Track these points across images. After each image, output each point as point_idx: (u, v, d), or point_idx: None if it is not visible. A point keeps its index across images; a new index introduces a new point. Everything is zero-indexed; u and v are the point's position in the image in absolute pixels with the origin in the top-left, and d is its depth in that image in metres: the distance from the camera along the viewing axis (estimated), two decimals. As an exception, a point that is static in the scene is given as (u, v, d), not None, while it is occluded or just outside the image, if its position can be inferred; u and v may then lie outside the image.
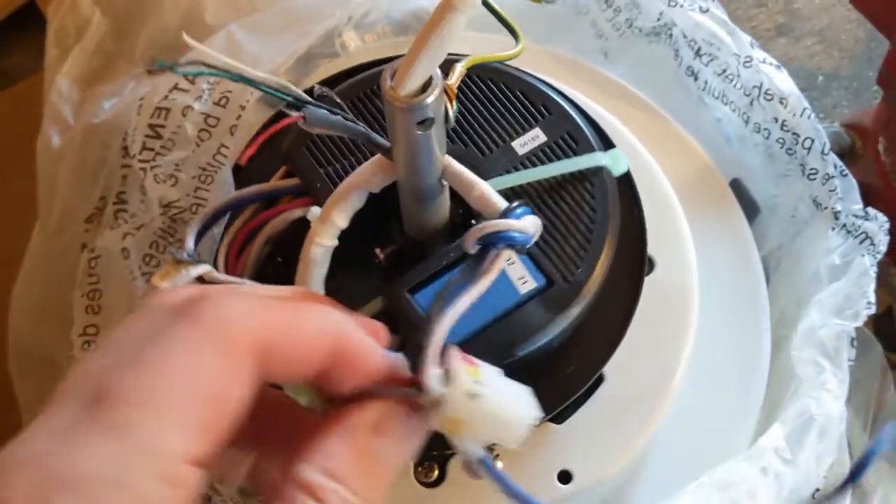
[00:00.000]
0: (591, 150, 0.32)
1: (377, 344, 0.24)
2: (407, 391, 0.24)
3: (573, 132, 0.32)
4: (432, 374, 0.24)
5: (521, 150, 0.32)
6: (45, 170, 0.43)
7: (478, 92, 0.34)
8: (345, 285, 0.29)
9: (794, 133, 0.39)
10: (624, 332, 0.32)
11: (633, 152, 0.38)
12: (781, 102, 0.39)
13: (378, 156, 0.28)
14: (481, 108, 0.33)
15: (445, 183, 0.29)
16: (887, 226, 0.36)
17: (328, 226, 0.28)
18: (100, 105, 0.43)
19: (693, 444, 0.36)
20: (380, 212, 0.31)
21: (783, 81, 0.40)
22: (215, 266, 0.31)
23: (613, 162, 0.32)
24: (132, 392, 0.19)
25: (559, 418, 0.33)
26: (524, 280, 0.29)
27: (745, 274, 0.39)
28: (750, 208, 0.42)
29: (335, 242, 0.28)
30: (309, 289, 0.28)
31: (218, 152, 0.38)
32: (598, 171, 0.32)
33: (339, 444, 0.23)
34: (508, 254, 0.26)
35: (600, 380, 0.34)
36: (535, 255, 0.30)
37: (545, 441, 0.33)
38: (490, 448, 0.32)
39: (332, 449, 0.23)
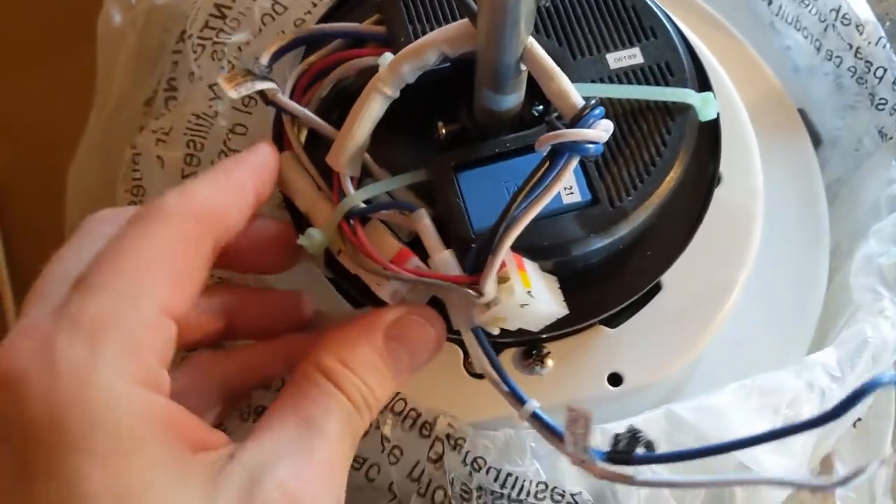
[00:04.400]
0: (684, 86, 0.31)
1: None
2: (463, 290, 0.26)
3: (672, 63, 0.31)
4: (492, 284, 0.26)
5: (613, 65, 0.32)
6: (105, 49, 0.43)
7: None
8: (397, 146, 0.30)
9: (868, 61, 0.38)
10: (678, 254, 0.32)
11: (714, 75, 0.38)
12: (858, 28, 0.38)
13: (464, 20, 0.27)
14: (587, 11, 0.32)
15: (524, 69, 0.28)
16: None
17: (394, 74, 0.27)
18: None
19: (745, 360, 0.36)
20: (457, 89, 0.30)
21: (861, 7, 0.39)
22: (283, 90, 0.31)
23: (703, 104, 0.31)
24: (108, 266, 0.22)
25: (613, 322, 0.33)
26: (570, 191, 0.29)
27: (809, 199, 0.39)
28: (812, 139, 0.42)
29: (396, 94, 0.28)
30: (357, 132, 0.28)
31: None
32: (685, 108, 0.31)
33: (357, 339, 0.26)
34: (577, 161, 0.26)
35: (657, 288, 0.34)
36: (588, 168, 0.29)
37: (598, 343, 0.33)
38: (541, 348, 0.33)
39: (352, 342, 0.26)
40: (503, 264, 0.26)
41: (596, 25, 0.32)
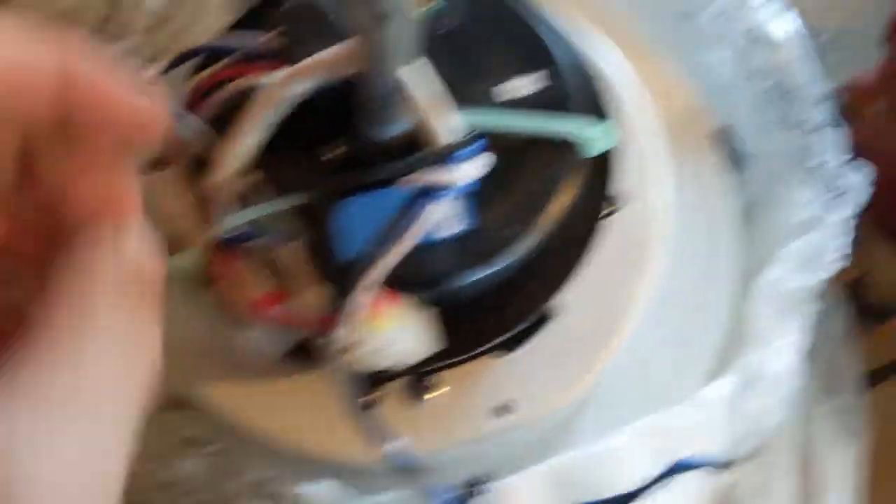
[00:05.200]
0: (579, 116, 0.30)
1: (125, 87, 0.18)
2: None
3: (569, 93, 0.31)
4: (348, 328, 0.25)
5: (508, 93, 0.31)
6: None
7: (486, 18, 0.32)
8: (281, 170, 0.29)
9: (788, 80, 0.37)
10: (566, 279, 0.31)
11: (625, 83, 0.37)
12: (778, 47, 0.37)
13: (350, 41, 0.26)
14: (485, 38, 0.32)
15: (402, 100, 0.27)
16: (870, 179, 0.34)
17: (278, 94, 0.27)
18: None
19: (641, 389, 0.35)
20: (345, 115, 0.29)
21: (783, 26, 0.38)
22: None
23: (595, 137, 0.30)
24: None
25: (507, 348, 0.33)
26: (454, 219, 0.28)
27: (719, 222, 0.38)
28: (735, 157, 0.41)
29: (278, 116, 0.27)
30: (240, 145, 0.27)
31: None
32: (576, 140, 0.30)
33: None
34: (450, 203, 0.25)
35: (552, 314, 0.33)
36: (473, 198, 0.29)
37: (490, 371, 0.32)
38: (425, 377, 0.32)
39: None
40: (368, 304, 0.26)
41: (493, 53, 0.31)
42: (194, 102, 0.30)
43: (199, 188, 0.28)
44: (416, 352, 0.27)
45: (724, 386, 0.32)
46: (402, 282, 0.27)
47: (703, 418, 0.31)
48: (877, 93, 0.46)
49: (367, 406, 0.32)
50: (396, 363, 0.27)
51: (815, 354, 0.42)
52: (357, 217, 0.28)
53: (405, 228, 0.25)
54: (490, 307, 0.31)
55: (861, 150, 0.47)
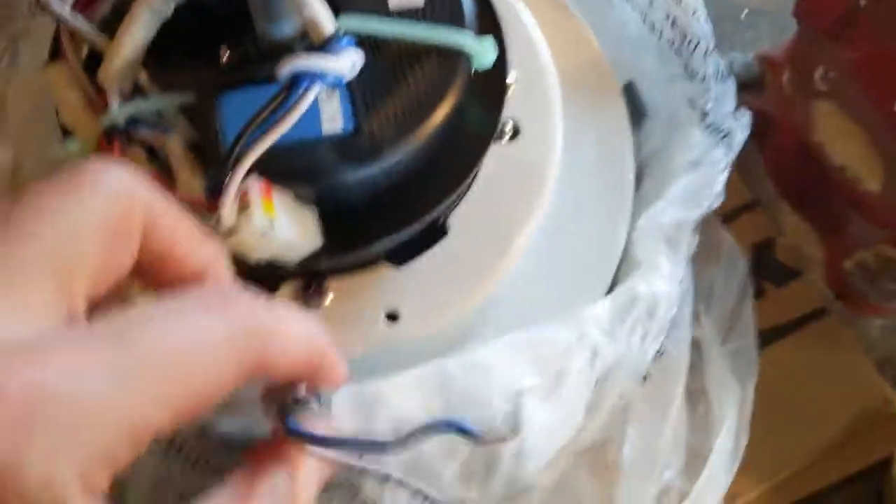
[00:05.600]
0: (461, 28, 0.32)
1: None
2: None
3: (454, 6, 0.32)
4: (229, 208, 0.26)
5: (394, 2, 0.32)
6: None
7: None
8: (174, 67, 0.30)
9: (683, 32, 0.39)
10: (453, 190, 0.33)
11: (523, 33, 0.39)
12: (676, 0, 0.39)
13: None
14: None
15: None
16: (749, 124, 0.36)
17: None
18: None
19: (532, 314, 0.37)
20: (241, 15, 0.30)
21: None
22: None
23: (480, 49, 0.32)
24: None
25: (396, 260, 0.34)
26: (334, 119, 0.30)
27: (615, 168, 0.39)
28: (639, 112, 0.43)
29: (167, 9, 0.28)
30: (126, 47, 0.28)
31: None
32: (457, 52, 0.31)
33: None
34: (318, 89, 0.26)
35: (443, 232, 0.34)
36: (356, 100, 0.30)
37: (379, 281, 0.34)
38: (320, 282, 0.33)
39: None
40: (245, 191, 0.27)
41: None
42: (82, 3, 0.31)
43: (92, 80, 0.29)
44: (293, 245, 0.28)
45: (600, 308, 0.33)
46: (279, 174, 0.28)
47: (578, 335, 0.33)
48: (784, 65, 0.48)
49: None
50: (277, 255, 0.28)
51: (717, 304, 0.44)
52: (241, 109, 0.29)
53: (279, 113, 0.26)
54: (377, 212, 0.32)
55: (770, 119, 0.49)
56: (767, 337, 0.46)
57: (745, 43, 0.53)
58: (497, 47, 0.32)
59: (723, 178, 0.35)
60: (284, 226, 0.28)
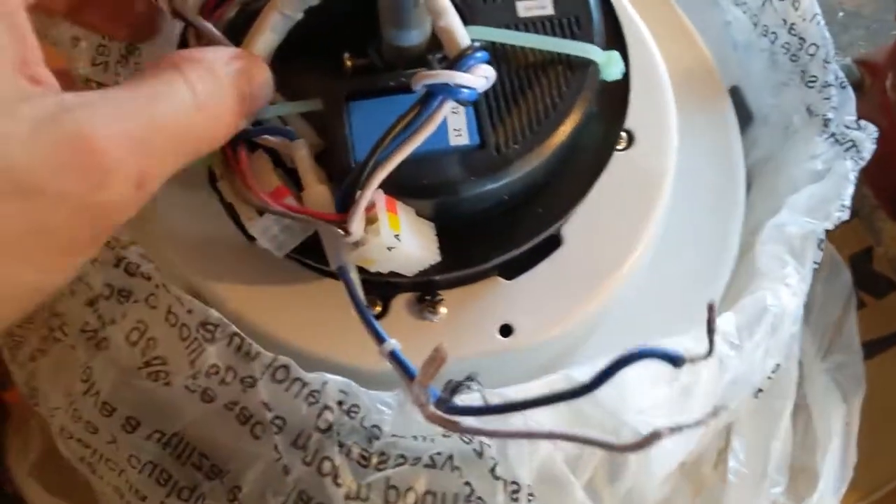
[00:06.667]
0: (589, 41, 0.31)
1: None
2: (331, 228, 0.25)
3: (582, 17, 0.31)
4: (358, 222, 0.26)
5: (522, 12, 0.31)
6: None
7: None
8: (300, 73, 0.29)
9: (801, 38, 0.38)
10: (576, 203, 0.32)
11: (639, 39, 0.37)
12: (794, 4, 0.38)
13: None
14: None
15: (422, 2, 0.28)
16: (876, 135, 0.35)
17: None
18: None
19: (647, 324, 0.36)
20: (367, 22, 0.30)
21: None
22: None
23: (607, 62, 0.31)
24: None
25: (509, 274, 0.33)
26: (459, 133, 0.29)
27: (727, 173, 0.39)
28: (744, 116, 0.41)
29: (297, 15, 0.27)
30: (256, 45, 0.27)
31: None
32: (585, 64, 0.30)
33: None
34: (451, 105, 0.26)
35: (557, 243, 0.33)
36: (481, 113, 0.29)
37: (492, 293, 0.33)
38: (434, 294, 0.33)
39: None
40: (372, 205, 0.26)
41: None
42: (212, 6, 0.30)
43: None
44: (414, 260, 0.28)
45: (727, 320, 0.32)
46: (403, 187, 0.27)
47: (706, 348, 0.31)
48: (886, 70, 0.46)
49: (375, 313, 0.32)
50: (399, 268, 0.28)
51: (818, 316, 0.42)
52: (369, 119, 0.28)
53: (412, 128, 0.25)
54: (494, 227, 0.31)
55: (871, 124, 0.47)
56: (868, 350, 0.44)
57: (841, 46, 0.52)
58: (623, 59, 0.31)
59: (850, 190, 0.34)
60: (408, 241, 0.27)
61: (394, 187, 0.27)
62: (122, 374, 0.27)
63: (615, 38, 0.32)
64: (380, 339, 0.25)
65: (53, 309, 0.29)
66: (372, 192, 0.26)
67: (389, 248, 0.26)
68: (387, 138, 0.25)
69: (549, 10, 0.31)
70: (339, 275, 0.26)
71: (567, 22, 0.31)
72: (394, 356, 0.25)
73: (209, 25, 0.29)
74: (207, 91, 0.23)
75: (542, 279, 0.33)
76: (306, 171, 0.28)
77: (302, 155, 0.27)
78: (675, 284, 0.36)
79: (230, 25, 0.30)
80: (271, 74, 0.26)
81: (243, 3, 0.31)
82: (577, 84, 0.30)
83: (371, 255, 0.26)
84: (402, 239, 0.27)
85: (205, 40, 0.29)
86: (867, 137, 0.35)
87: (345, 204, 0.26)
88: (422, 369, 0.23)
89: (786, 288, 0.33)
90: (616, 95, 0.33)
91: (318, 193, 0.27)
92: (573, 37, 0.31)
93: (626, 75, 0.32)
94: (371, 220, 0.26)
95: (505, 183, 0.29)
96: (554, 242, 0.33)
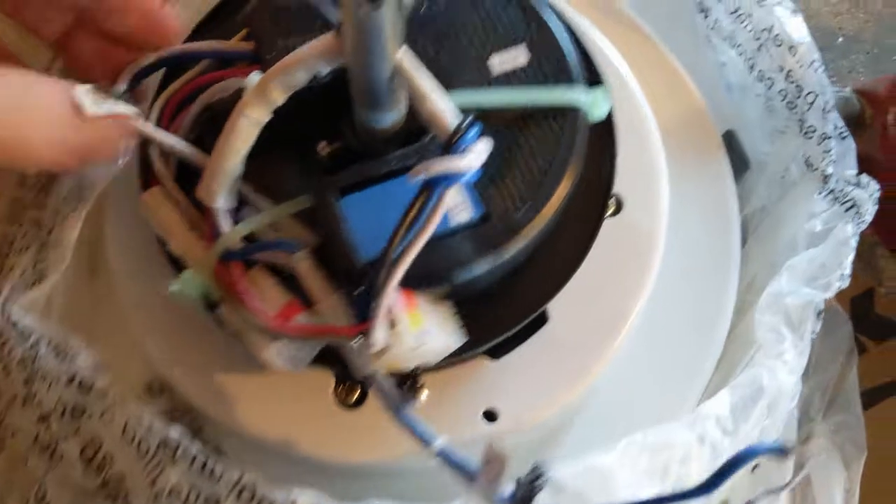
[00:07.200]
0: (571, 85, 0.29)
1: None
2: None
3: (559, 62, 0.29)
4: (382, 332, 0.24)
5: (497, 68, 0.30)
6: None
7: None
8: (277, 170, 0.27)
9: (798, 85, 0.36)
10: (569, 277, 0.30)
11: (622, 84, 0.35)
12: (790, 50, 0.36)
13: (330, 33, 0.25)
14: (464, 12, 0.30)
15: (399, 83, 0.26)
16: (878, 195, 0.33)
17: (261, 98, 0.25)
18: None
19: (636, 400, 0.34)
20: (335, 105, 0.28)
21: (796, 28, 0.36)
22: (147, 118, 0.28)
23: (593, 103, 0.29)
24: None
25: (495, 353, 0.31)
26: (460, 208, 0.27)
27: (720, 231, 0.37)
28: (739, 163, 0.39)
29: (266, 118, 0.25)
30: (228, 163, 0.25)
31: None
32: (573, 110, 0.29)
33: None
34: (455, 191, 0.24)
35: (544, 319, 0.31)
36: (479, 183, 0.27)
37: (476, 375, 0.31)
38: (415, 378, 0.31)
39: None
40: (390, 309, 0.25)
41: (476, 27, 0.30)
42: (171, 114, 0.29)
43: (191, 201, 0.26)
44: (444, 347, 0.26)
45: (721, 403, 0.30)
46: (416, 278, 0.25)
47: (699, 436, 0.30)
48: (888, 102, 0.44)
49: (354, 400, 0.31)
50: (425, 361, 0.26)
51: (817, 371, 0.40)
52: (368, 213, 0.26)
53: (422, 220, 0.23)
54: (481, 306, 0.29)
55: (871, 160, 0.45)
56: (869, 397, 0.43)
57: (840, 73, 0.49)
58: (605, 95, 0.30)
59: (851, 258, 0.32)
60: (433, 333, 0.26)
61: (407, 279, 0.25)
62: (79, 495, 0.26)
63: (593, 76, 0.31)
64: (425, 441, 0.24)
65: (2, 419, 0.27)
66: (388, 300, 0.24)
67: (416, 348, 0.25)
68: (395, 238, 0.24)
69: (523, 60, 0.29)
70: (368, 383, 0.25)
71: (544, 68, 0.29)
72: (446, 456, 0.24)
73: (172, 139, 0.27)
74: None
75: (528, 359, 0.31)
76: (313, 283, 0.26)
77: (306, 267, 0.26)
78: (668, 354, 0.34)
79: (192, 130, 0.28)
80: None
81: (204, 105, 0.29)
82: (569, 132, 0.28)
83: (397, 359, 0.25)
84: (426, 334, 0.25)
85: (166, 153, 0.27)
86: (868, 198, 0.33)
87: (363, 313, 0.24)
88: (485, 472, 0.23)
89: (783, 365, 0.31)
90: (601, 137, 0.31)
91: (331, 305, 0.26)
92: (553, 83, 0.29)
93: (610, 123, 0.31)
94: (392, 323, 0.25)
95: (515, 253, 0.28)
96: (540, 319, 0.31)
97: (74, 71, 0.30)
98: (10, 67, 0.23)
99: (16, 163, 0.23)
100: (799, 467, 0.37)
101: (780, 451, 0.23)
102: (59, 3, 0.28)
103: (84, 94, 0.25)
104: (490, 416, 0.31)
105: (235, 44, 0.30)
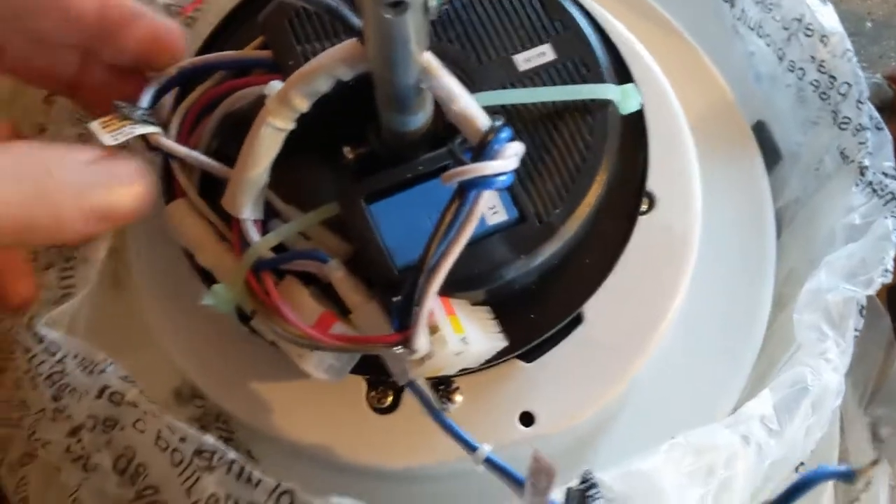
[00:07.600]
0: (600, 80, 0.28)
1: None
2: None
3: (586, 57, 0.29)
4: (423, 339, 0.24)
5: (523, 66, 0.29)
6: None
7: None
8: (303, 178, 0.27)
9: (831, 76, 0.35)
10: (605, 277, 0.29)
11: (649, 79, 0.35)
12: (822, 40, 0.35)
13: (352, 39, 0.24)
14: (487, 10, 0.30)
15: (427, 87, 0.25)
16: (916, 188, 0.32)
17: (284, 106, 0.24)
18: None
19: (673, 401, 0.33)
20: (360, 110, 0.27)
21: (827, 17, 0.35)
22: (167, 132, 0.28)
23: (624, 97, 0.29)
24: None
25: (529, 356, 0.31)
26: (495, 210, 0.26)
27: (755, 225, 0.36)
28: (771, 154, 0.39)
29: (290, 126, 0.25)
30: (253, 172, 0.25)
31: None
32: (604, 105, 0.28)
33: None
34: (489, 194, 0.23)
35: (578, 320, 0.31)
36: (512, 185, 0.27)
37: (511, 379, 0.31)
38: (449, 382, 0.31)
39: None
40: (431, 313, 0.24)
41: (501, 25, 0.29)
42: (190, 127, 0.28)
43: (218, 213, 0.26)
44: (487, 351, 0.26)
45: (763, 403, 0.30)
46: (456, 284, 0.25)
47: (743, 437, 0.29)
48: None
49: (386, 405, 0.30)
50: (468, 365, 0.26)
51: (858, 365, 0.40)
52: (398, 218, 0.26)
53: (459, 223, 0.23)
54: (518, 309, 0.29)
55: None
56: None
57: (871, 59, 0.48)
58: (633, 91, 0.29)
59: (892, 253, 0.31)
60: (474, 338, 0.25)
61: (444, 284, 0.25)
62: (114, 507, 0.26)
63: (621, 71, 0.30)
64: (471, 448, 0.24)
65: (33, 432, 0.27)
66: (429, 308, 0.24)
67: (458, 353, 0.25)
68: (433, 244, 0.23)
69: (550, 56, 0.29)
70: (411, 389, 0.25)
71: (572, 64, 0.29)
72: (491, 463, 0.24)
73: (194, 153, 0.27)
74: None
75: (564, 360, 0.31)
76: (348, 292, 0.25)
77: (339, 276, 0.25)
78: (703, 355, 0.34)
79: (213, 141, 0.28)
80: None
81: (224, 114, 0.28)
82: (601, 128, 0.28)
83: (440, 364, 0.25)
84: (468, 339, 0.25)
85: (189, 166, 0.27)
86: (908, 188, 0.32)
87: (403, 321, 0.24)
88: (531, 482, 0.22)
89: (826, 363, 0.30)
90: (633, 132, 0.30)
91: (369, 314, 0.25)
92: (581, 78, 0.28)
93: (641, 118, 0.30)
94: (433, 330, 0.24)
95: (552, 254, 0.27)
96: (575, 320, 0.31)
97: (91, 113, 0.29)
98: (17, 145, 0.22)
99: (56, 239, 0.23)
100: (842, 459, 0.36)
101: (848, 476, 0.22)
102: (64, 41, 0.27)
103: (98, 128, 0.25)
104: (527, 419, 0.30)
105: (253, 52, 0.29)
